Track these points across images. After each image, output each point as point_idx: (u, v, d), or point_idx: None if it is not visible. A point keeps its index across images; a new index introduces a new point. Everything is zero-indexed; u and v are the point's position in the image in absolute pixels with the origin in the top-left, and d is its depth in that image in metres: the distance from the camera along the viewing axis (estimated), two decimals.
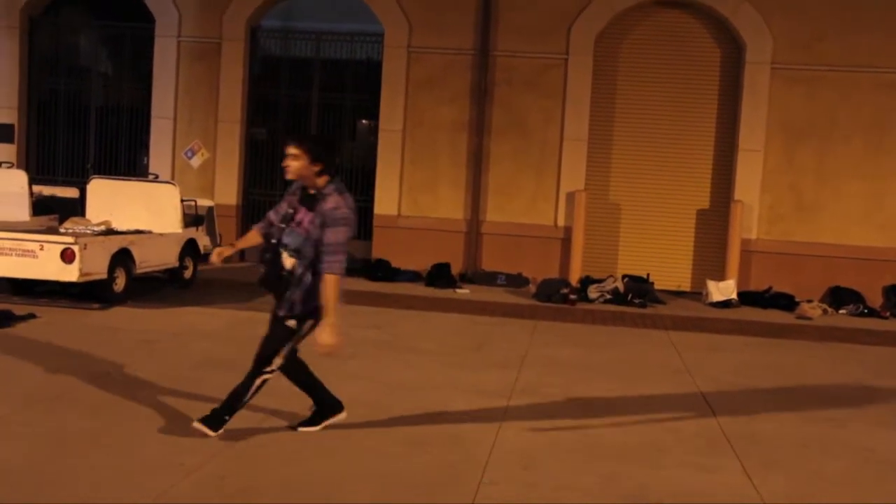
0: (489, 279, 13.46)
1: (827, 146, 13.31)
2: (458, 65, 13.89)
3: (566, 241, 13.53)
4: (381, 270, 13.35)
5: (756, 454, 5.43)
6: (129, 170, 14.93)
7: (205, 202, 12.36)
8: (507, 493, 4.57)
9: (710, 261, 13.63)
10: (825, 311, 12.33)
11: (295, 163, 4.98)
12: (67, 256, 8.91)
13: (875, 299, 12.97)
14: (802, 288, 13.02)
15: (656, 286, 12.82)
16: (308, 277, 4.98)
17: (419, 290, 12.57)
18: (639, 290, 12.31)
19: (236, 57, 14.32)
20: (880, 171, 13.22)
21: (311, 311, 5.03)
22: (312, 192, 5.05)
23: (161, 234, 10.57)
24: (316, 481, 4.61)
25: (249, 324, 8.94)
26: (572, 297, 11.93)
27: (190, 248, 11.18)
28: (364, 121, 14.99)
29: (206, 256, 11.82)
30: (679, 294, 13.42)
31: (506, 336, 9.23)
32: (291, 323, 5.07)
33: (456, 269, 13.57)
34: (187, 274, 11.24)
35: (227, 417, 5.18)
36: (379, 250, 13.95)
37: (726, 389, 7.22)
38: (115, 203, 10.76)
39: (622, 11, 13.60)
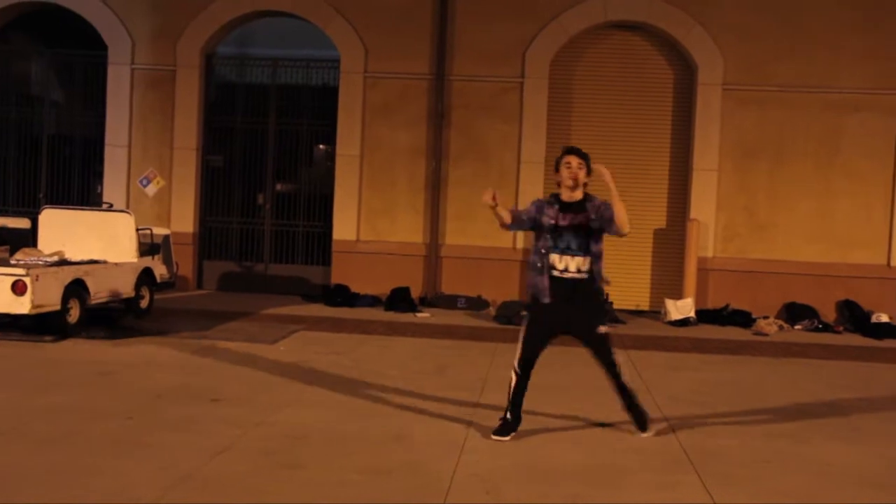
0: (449, 302, 13.45)
1: (779, 165, 13.55)
2: (415, 89, 13.95)
3: (525, 264, 13.58)
4: (340, 296, 13.29)
5: (716, 471, 5.46)
6: (82, 199, 14.75)
7: (161, 230, 12.22)
8: None
9: (667, 280, 13.77)
10: (781, 328, 12.50)
11: (581, 172, 5.90)
12: (19, 288, 8.74)
13: (829, 314, 13.19)
14: (759, 305, 13.21)
15: (615, 306, 12.89)
16: (595, 272, 5.96)
17: (379, 314, 12.52)
18: None
19: (191, 84, 14.24)
20: (830, 189, 13.48)
21: (603, 313, 6.17)
22: (571, 201, 5.91)
23: (116, 264, 10.42)
24: None
25: (207, 352, 8.84)
26: None
27: (146, 277, 11.04)
28: (321, 146, 14.97)
29: (163, 285, 11.79)
30: (638, 313, 13.53)
31: (467, 359, 9.21)
32: (603, 329, 6.05)
33: (415, 293, 13.55)
34: (144, 303, 11.09)
35: (645, 416, 6.23)
36: (338, 275, 13.89)
37: (686, 407, 7.26)
38: (68, 233, 10.60)
39: (576, 35, 13.77)
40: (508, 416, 6.04)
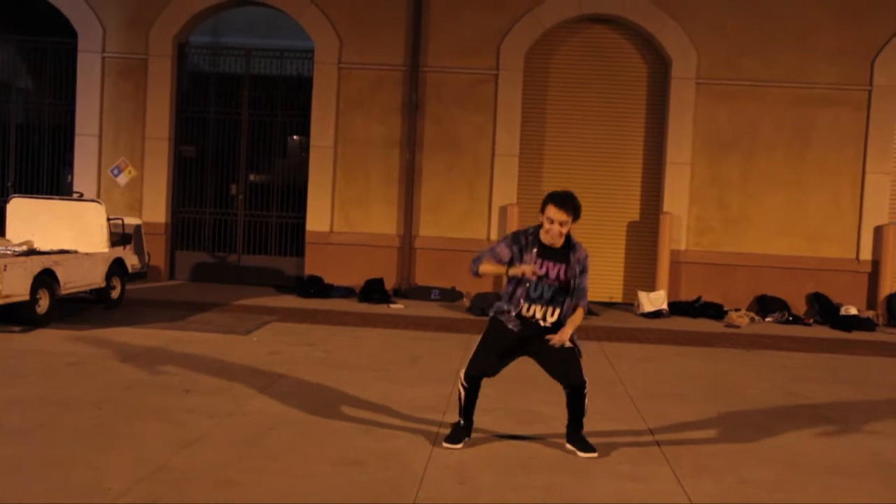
0: (423, 294, 13.45)
1: (751, 159, 13.67)
2: (389, 81, 13.91)
3: None
4: (313, 287, 13.25)
5: (687, 461, 5.51)
6: (52, 188, 14.57)
7: (132, 220, 12.11)
8: None
9: (640, 272, 13.85)
10: (752, 320, 12.63)
11: (565, 229, 5.42)
12: None
13: (799, 307, 13.33)
14: (730, 297, 13.33)
15: (588, 298, 12.91)
16: (563, 316, 5.49)
17: (353, 305, 12.49)
18: None
19: (164, 73, 14.11)
20: (802, 182, 13.62)
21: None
22: (553, 246, 5.44)
23: (87, 254, 10.31)
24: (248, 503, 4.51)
25: (178, 343, 8.78)
26: None
27: (117, 267, 10.94)
28: (295, 137, 14.89)
29: (135, 276, 11.68)
30: (611, 305, 13.60)
31: (440, 350, 9.22)
32: (569, 345, 5.51)
33: (389, 285, 13.54)
34: (115, 294, 10.99)
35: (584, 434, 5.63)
36: (312, 267, 13.85)
37: (658, 398, 7.31)
38: (37, 223, 10.48)
39: (551, 28, 13.79)
40: (461, 421, 5.68)
